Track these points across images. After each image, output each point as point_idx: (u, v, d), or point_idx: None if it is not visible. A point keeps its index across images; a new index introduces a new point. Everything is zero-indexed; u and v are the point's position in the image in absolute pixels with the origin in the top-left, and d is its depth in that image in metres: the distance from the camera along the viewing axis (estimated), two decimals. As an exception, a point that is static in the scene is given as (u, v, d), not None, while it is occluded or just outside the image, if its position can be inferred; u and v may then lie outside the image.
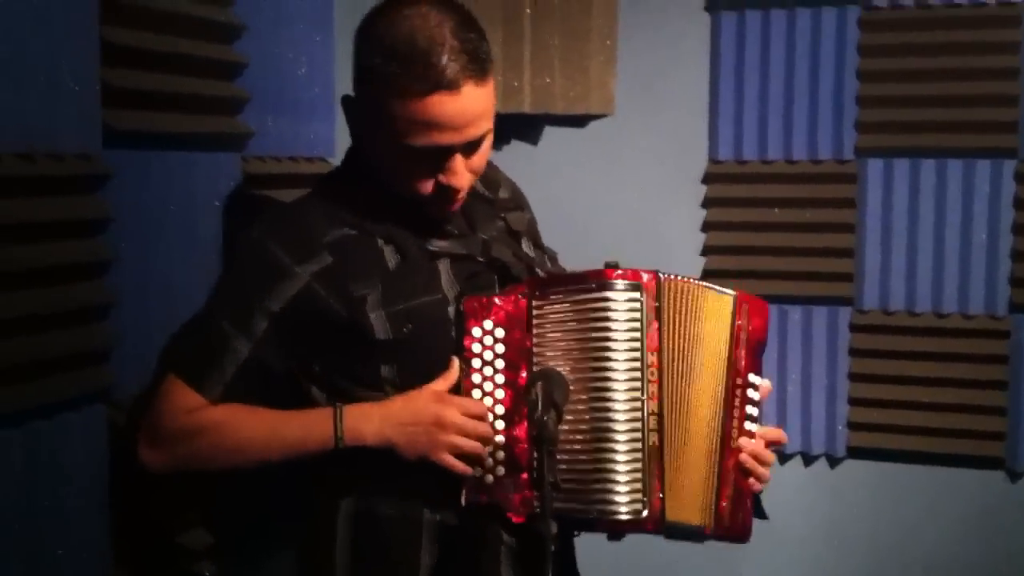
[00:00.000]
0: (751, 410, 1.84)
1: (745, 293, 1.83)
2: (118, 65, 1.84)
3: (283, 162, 2.31)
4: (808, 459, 3.07)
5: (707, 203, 3.10)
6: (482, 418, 1.70)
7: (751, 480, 1.83)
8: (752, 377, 1.84)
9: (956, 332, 2.92)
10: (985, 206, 2.88)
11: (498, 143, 3.09)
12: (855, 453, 3.03)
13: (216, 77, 2.13)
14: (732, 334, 1.80)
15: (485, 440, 1.70)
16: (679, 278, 1.75)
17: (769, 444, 1.86)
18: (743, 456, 1.81)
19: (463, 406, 1.70)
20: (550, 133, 3.17)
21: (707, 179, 3.10)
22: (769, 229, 3.05)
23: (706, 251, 3.11)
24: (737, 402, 1.81)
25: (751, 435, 1.83)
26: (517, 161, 3.07)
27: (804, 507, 3.05)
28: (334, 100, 2.42)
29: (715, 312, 1.79)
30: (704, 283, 1.79)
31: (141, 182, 1.90)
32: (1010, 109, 2.86)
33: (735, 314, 1.80)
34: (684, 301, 1.75)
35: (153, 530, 1.94)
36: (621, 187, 3.14)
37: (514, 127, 3.12)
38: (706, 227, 3.11)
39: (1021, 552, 2.93)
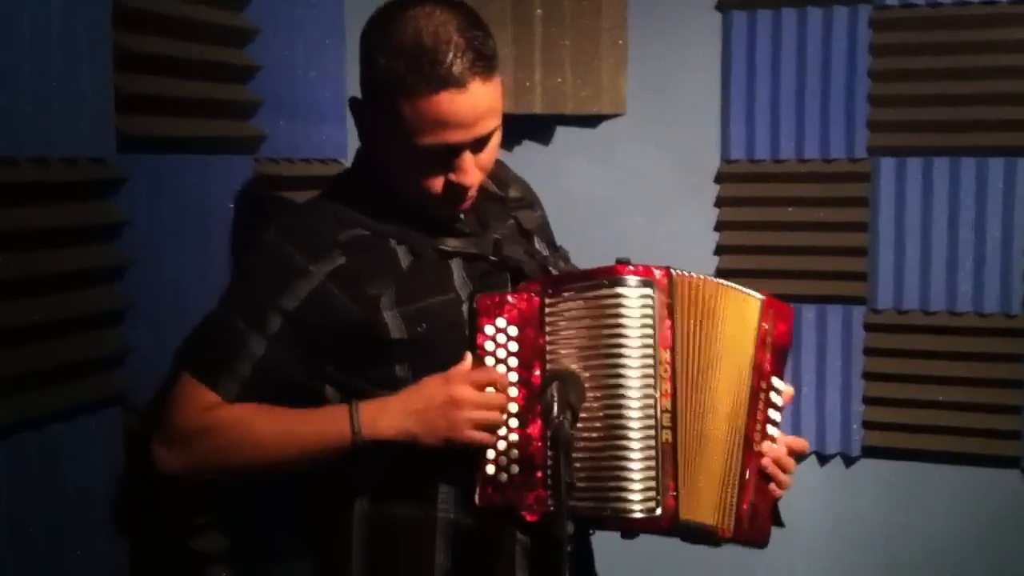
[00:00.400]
0: (774, 415, 1.83)
1: (772, 298, 1.83)
2: (131, 70, 1.85)
3: (296, 164, 2.32)
4: (823, 458, 3.06)
5: (719, 202, 3.10)
6: (494, 384, 1.70)
7: (772, 486, 1.83)
8: (776, 382, 1.83)
9: (970, 331, 2.91)
10: (999, 204, 2.87)
11: (510, 143, 3.11)
12: (870, 452, 3.02)
13: (229, 81, 2.13)
14: (758, 337, 1.80)
15: (502, 408, 1.69)
16: (694, 275, 1.74)
17: (792, 452, 1.86)
18: (765, 461, 1.81)
19: (472, 378, 1.69)
20: (562, 133, 3.17)
21: (719, 178, 3.09)
22: (782, 228, 3.05)
23: (719, 250, 3.10)
24: (761, 406, 1.81)
25: (773, 440, 1.83)
26: (529, 161, 3.07)
27: (819, 506, 3.04)
28: (346, 103, 2.42)
29: (739, 313, 1.79)
30: (727, 282, 1.79)
31: (155, 186, 1.90)
32: (1023, 107, 2.85)
33: (762, 317, 1.80)
34: (699, 298, 1.74)
35: (168, 534, 1.95)
36: (633, 187, 3.14)
37: (526, 127, 3.12)
38: (719, 226, 3.10)
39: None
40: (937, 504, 2.99)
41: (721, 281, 1.79)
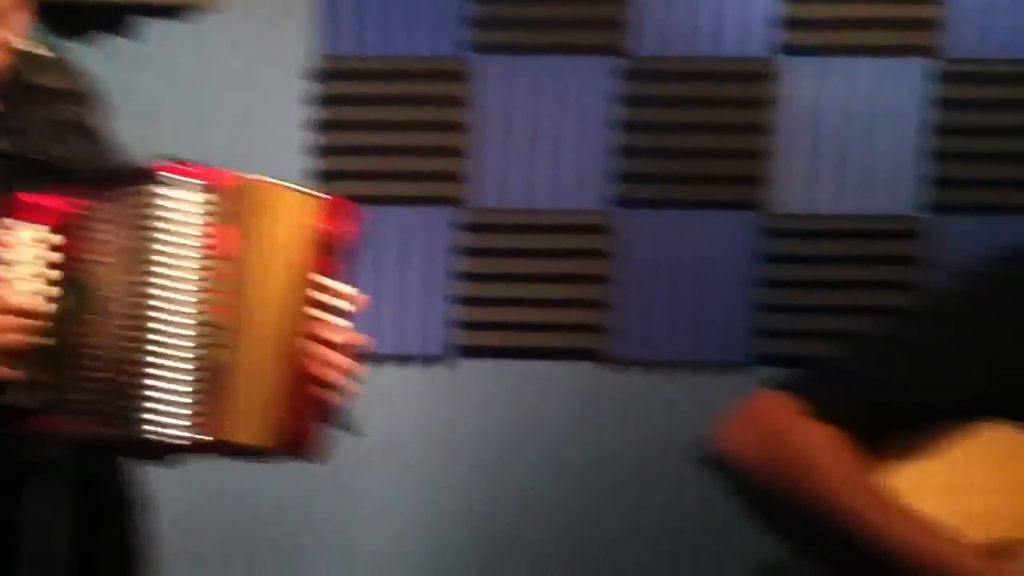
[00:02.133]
0: (324, 315, 1.69)
1: (337, 197, 1.70)
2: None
3: None
4: (408, 360, 3.07)
5: (317, 102, 3.02)
6: (14, 310, 1.56)
7: (322, 390, 1.69)
8: (326, 281, 1.69)
9: (557, 229, 3.02)
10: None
11: (83, 35, 2.85)
12: (462, 352, 3.07)
13: None
14: (305, 235, 1.66)
15: (20, 329, 1.55)
16: (259, 179, 1.61)
17: (345, 349, 1.71)
18: (310, 363, 1.67)
19: None
20: (147, 26, 2.94)
21: (321, 77, 3.01)
22: (382, 129, 3.02)
23: (317, 152, 3.02)
24: (303, 308, 1.67)
25: (323, 341, 1.69)
26: (106, 57, 2.83)
27: (410, 412, 3.07)
28: None
29: (292, 213, 1.65)
30: (287, 184, 1.66)
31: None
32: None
33: (313, 214, 1.66)
34: (264, 204, 1.61)
35: None
36: (224, 89, 2.99)
37: (103, 18, 2.88)
38: (317, 127, 3.02)
39: (620, 439, 3.08)
40: (529, 401, 3.08)
41: (285, 184, 1.65)
